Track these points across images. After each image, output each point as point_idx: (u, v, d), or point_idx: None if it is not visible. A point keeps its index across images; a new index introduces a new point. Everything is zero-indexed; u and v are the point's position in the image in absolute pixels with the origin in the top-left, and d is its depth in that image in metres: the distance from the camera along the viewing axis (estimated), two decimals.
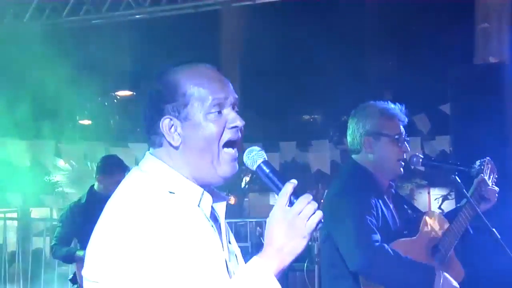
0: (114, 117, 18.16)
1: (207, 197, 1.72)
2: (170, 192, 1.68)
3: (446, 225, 3.02)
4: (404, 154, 3.02)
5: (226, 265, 1.70)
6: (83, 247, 5.00)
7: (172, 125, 1.70)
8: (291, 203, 1.59)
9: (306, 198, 1.59)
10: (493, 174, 3.08)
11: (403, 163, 3.02)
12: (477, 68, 6.08)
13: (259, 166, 1.69)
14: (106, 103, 18.40)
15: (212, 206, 1.75)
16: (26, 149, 9.24)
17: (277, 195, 1.62)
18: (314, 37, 14.99)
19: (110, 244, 1.60)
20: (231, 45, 10.37)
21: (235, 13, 9.89)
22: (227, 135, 1.71)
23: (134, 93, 16.62)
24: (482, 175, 3.03)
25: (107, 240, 1.62)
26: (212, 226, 1.72)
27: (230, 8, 8.88)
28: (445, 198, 17.49)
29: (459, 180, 2.88)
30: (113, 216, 1.65)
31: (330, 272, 3.02)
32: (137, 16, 7.51)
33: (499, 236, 2.72)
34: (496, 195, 3.05)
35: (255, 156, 1.69)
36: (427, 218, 3.04)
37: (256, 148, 1.71)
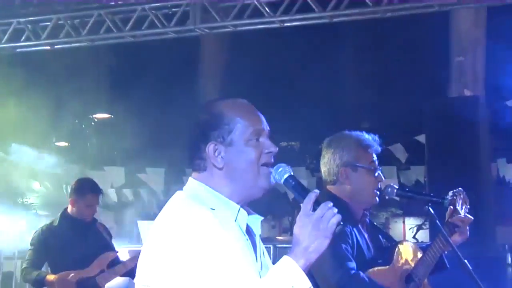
0: (91, 140, 18.05)
1: (243, 213, 2.00)
2: (211, 209, 1.93)
3: (420, 255, 3.04)
4: (379, 184, 3.05)
5: (260, 276, 1.93)
6: (55, 270, 4.92)
7: (217, 149, 1.99)
8: (313, 209, 1.88)
9: (326, 204, 1.89)
10: (465, 205, 3.12)
11: (378, 193, 3.04)
12: (452, 100, 6.19)
13: (286, 180, 2.00)
14: (83, 126, 18.30)
15: (247, 223, 2.01)
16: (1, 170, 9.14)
17: (301, 203, 1.91)
18: (293, 65, 15.13)
19: (159, 253, 1.88)
20: (210, 71, 10.43)
21: (214, 39, 9.95)
22: (264, 159, 2.02)
23: (112, 116, 16.55)
24: (451, 207, 3.06)
25: (156, 250, 1.89)
26: (247, 240, 1.99)
27: (210, 35, 8.94)
28: (419, 227, 17.59)
29: (432, 211, 2.91)
30: (162, 229, 1.92)
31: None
32: (118, 40, 7.52)
33: (470, 268, 2.74)
34: (467, 227, 3.07)
35: (282, 172, 2.01)
36: (401, 247, 3.06)
37: (283, 165, 2.03)
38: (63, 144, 17.39)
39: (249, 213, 2.03)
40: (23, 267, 5.02)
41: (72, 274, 4.78)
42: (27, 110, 10.46)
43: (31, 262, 4.96)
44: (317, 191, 1.92)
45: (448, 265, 3.09)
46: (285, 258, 1.86)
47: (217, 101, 2.10)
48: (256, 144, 2.01)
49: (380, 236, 3.19)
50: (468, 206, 3.09)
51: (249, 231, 2.03)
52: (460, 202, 3.07)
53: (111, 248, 5.06)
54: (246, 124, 2.01)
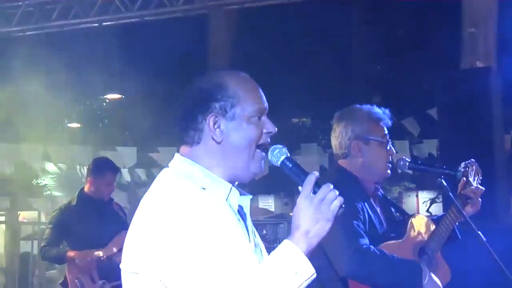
0: (102, 120, 18.12)
1: (235, 192, 1.90)
2: (202, 188, 1.82)
3: (433, 227, 3.05)
4: (391, 157, 3.05)
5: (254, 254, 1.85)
6: (73, 248, 4.99)
7: (216, 121, 1.88)
8: (314, 192, 1.78)
9: (328, 186, 1.78)
10: (478, 176, 3.11)
11: (390, 165, 3.05)
12: (463, 72, 6.14)
13: (282, 162, 1.89)
14: (94, 107, 18.36)
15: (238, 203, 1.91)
16: (14, 152, 9.21)
17: (300, 186, 1.80)
18: (303, 40, 15.05)
19: (147, 238, 1.76)
20: (219, 49, 10.40)
21: (223, 16, 9.91)
22: (263, 139, 1.92)
23: (123, 96, 16.58)
24: (464, 178, 3.05)
25: (144, 234, 1.77)
26: (239, 219, 1.88)
27: (219, 12, 8.90)
28: (433, 201, 17.56)
29: (445, 184, 2.91)
30: (149, 211, 1.80)
31: (317, 277, 3.04)
32: (126, 20, 7.50)
33: (484, 239, 2.75)
34: (479, 199, 3.07)
35: (278, 153, 1.90)
36: (413, 220, 3.06)
37: (279, 146, 1.92)
38: (75, 125, 17.47)
39: (240, 193, 1.92)
40: (42, 245, 5.09)
41: (91, 253, 4.85)
42: (39, 92, 10.51)
43: (49, 241, 5.03)
44: (316, 173, 1.81)
45: (460, 236, 3.09)
46: (286, 243, 1.76)
47: (220, 72, 1.97)
48: (258, 122, 1.91)
49: (393, 210, 3.20)
50: (481, 177, 3.09)
51: (239, 211, 1.92)
52: (473, 173, 3.06)
53: (127, 227, 5.11)
54: (251, 100, 1.90)
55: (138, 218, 1.83)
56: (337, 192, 1.78)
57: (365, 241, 2.78)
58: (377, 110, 3.06)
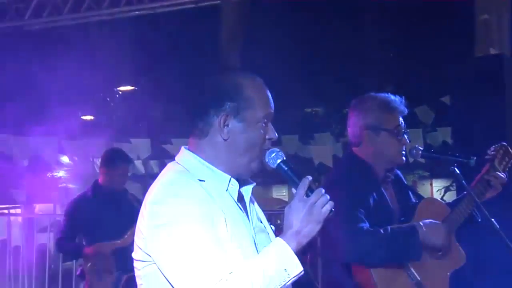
0: (116, 112, 18.19)
1: (234, 183, 2.00)
2: (200, 180, 1.95)
3: (447, 212, 3.04)
4: (404, 146, 3.05)
5: (254, 241, 2.00)
6: (89, 240, 5.02)
7: (227, 120, 1.98)
8: (307, 195, 1.90)
9: (320, 191, 1.91)
10: (506, 160, 3.08)
11: (404, 153, 3.04)
12: (477, 60, 6.10)
13: (279, 165, 2.00)
14: (108, 99, 18.44)
15: (239, 191, 2.03)
16: (29, 145, 9.27)
17: (294, 188, 1.93)
18: (315, 30, 15.00)
19: (144, 226, 1.92)
20: (231, 39, 10.38)
21: (235, 7, 9.90)
22: (266, 144, 2.03)
23: (136, 88, 16.64)
24: (488, 163, 3.04)
25: (141, 223, 1.93)
26: (240, 208, 2.01)
27: (230, 3, 8.88)
28: (447, 189, 17.43)
29: (458, 171, 2.90)
30: (147, 202, 1.94)
31: (323, 255, 3.07)
32: (137, 12, 7.52)
33: (498, 226, 2.74)
34: (500, 185, 3.05)
35: (275, 157, 2.01)
36: (424, 204, 3.06)
37: (276, 150, 2.02)
38: (88, 117, 17.55)
39: (240, 182, 2.04)
40: (57, 237, 5.12)
41: (107, 245, 4.88)
42: (53, 85, 10.56)
43: (65, 233, 5.07)
44: (310, 177, 1.93)
45: (479, 219, 3.05)
46: (277, 240, 1.90)
47: (237, 73, 2.09)
48: (264, 127, 2.02)
49: (411, 195, 3.19)
50: None
51: (241, 199, 2.05)
52: (500, 157, 3.04)
53: None
54: (262, 106, 2.01)
55: (141, 209, 1.97)
56: (328, 197, 1.91)
57: (365, 225, 2.79)
58: (391, 98, 3.04)
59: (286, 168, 1.99)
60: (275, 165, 2.00)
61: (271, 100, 2.06)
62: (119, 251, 4.87)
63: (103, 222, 4.94)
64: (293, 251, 1.86)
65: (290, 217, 1.90)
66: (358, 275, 2.85)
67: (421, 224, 2.85)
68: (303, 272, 1.87)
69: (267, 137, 2.03)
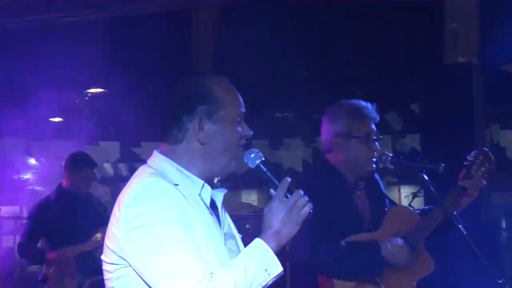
0: (85, 115, 17.97)
1: (207, 188, 2.01)
2: (175, 184, 1.93)
3: (416, 220, 3.06)
4: (375, 153, 3.07)
5: (225, 246, 2.00)
6: (52, 244, 4.95)
7: (201, 124, 1.99)
8: (286, 196, 1.93)
9: (299, 192, 1.95)
10: (485, 166, 3.10)
11: (374, 160, 3.06)
12: (446, 67, 6.17)
13: (258, 165, 2.02)
14: (77, 101, 18.21)
15: (211, 197, 2.04)
16: None
17: (273, 189, 1.97)
18: (285, 35, 15.02)
19: (116, 229, 1.91)
20: (201, 46, 10.36)
21: (206, 12, 9.88)
22: (242, 142, 2.07)
23: (105, 91, 16.47)
24: (465, 169, 3.07)
25: (114, 226, 1.93)
26: (212, 213, 2.01)
27: (201, 8, 8.86)
28: (415, 195, 17.63)
29: (426, 178, 2.93)
30: (119, 205, 1.93)
31: (292, 260, 3.09)
32: (108, 14, 7.45)
33: (465, 233, 2.77)
34: (477, 192, 3.07)
35: (254, 157, 2.02)
36: (394, 211, 3.08)
37: (255, 150, 2.04)
38: (57, 119, 17.32)
39: (213, 188, 2.05)
40: (19, 242, 5.05)
41: (70, 249, 4.82)
42: (21, 86, 10.41)
43: (28, 237, 4.99)
44: (289, 178, 1.96)
45: (458, 224, 3.04)
46: (257, 241, 1.92)
47: (205, 75, 2.12)
48: (238, 126, 2.04)
49: (387, 202, 3.20)
50: (492, 166, 3.09)
51: (213, 205, 2.06)
52: (478, 163, 3.06)
53: (107, 222, 5.08)
54: (234, 105, 2.04)
55: (113, 212, 1.98)
56: (307, 199, 1.95)
57: (325, 236, 2.79)
58: (362, 105, 3.07)
59: (265, 169, 2.02)
60: (255, 165, 2.02)
61: (241, 99, 2.09)
62: (83, 256, 4.82)
63: (66, 226, 4.89)
64: (273, 251, 1.89)
65: (270, 218, 1.93)
66: (321, 283, 2.86)
67: (387, 241, 2.86)
68: (283, 273, 1.90)
69: (244, 134, 2.06)
